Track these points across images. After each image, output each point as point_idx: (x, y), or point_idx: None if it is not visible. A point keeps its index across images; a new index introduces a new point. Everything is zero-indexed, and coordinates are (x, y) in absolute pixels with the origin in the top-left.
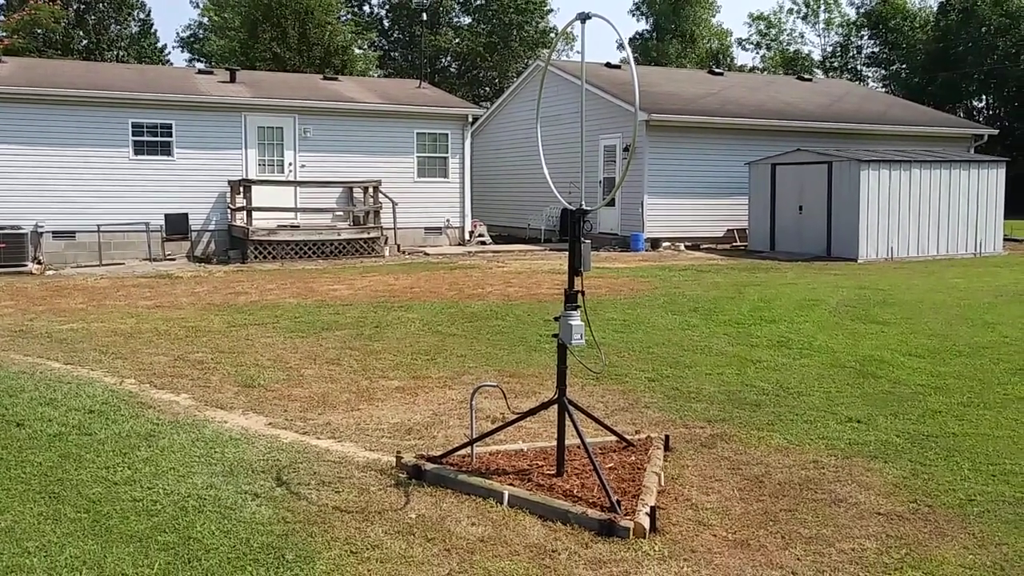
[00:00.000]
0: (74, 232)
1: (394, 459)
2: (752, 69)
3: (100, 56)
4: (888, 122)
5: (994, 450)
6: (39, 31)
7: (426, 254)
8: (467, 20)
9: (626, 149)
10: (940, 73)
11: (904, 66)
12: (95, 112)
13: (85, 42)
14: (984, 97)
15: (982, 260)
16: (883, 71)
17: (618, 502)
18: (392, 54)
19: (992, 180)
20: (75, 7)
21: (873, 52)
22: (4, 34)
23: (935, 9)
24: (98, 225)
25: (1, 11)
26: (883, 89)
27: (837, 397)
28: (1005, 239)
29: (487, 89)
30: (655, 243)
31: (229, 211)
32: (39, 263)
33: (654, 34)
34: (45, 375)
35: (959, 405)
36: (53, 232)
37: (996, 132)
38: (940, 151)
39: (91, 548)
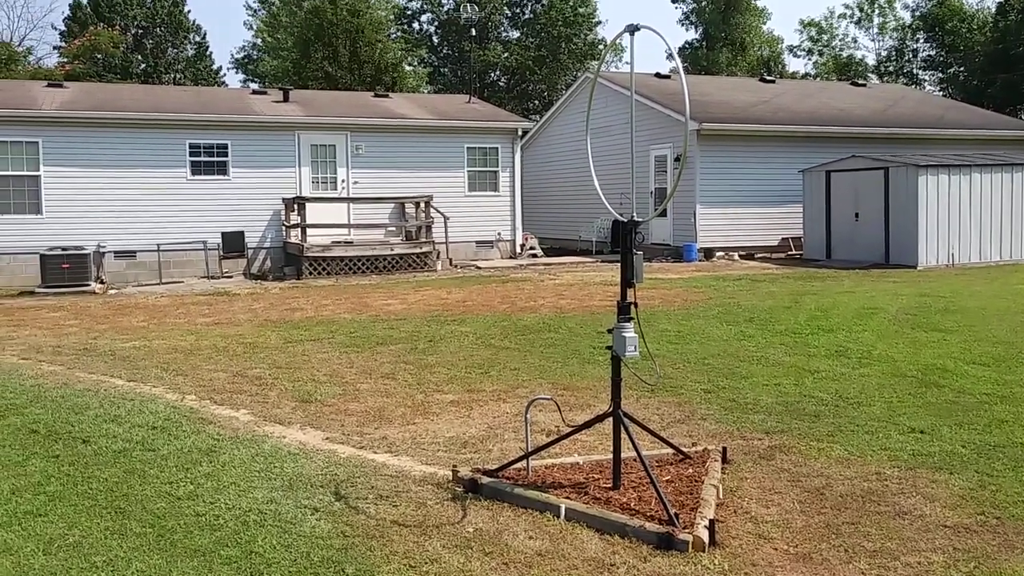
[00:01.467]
0: (135, 252)
1: (450, 473)
2: (804, 76)
3: (158, 79)
4: (945, 126)
5: None
6: (99, 56)
7: (478, 267)
8: (516, 34)
9: (677, 159)
10: (999, 75)
11: (962, 69)
12: (154, 134)
13: (143, 66)
14: None
15: None
16: (940, 74)
17: (676, 515)
18: (442, 70)
19: None
20: (133, 32)
21: (929, 55)
22: (66, 60)
23: (993, 10)
24: (158, 244)
25: (62, 37)
26: (940, 92)
27: (899, 407)
28: None
29: (536, 102)
30: (708, 253)
31: (284, 228)
32: (101, 282)
33: (704, 43)
34: (109, 392)
35: None
36: (115, 252)
37: None
38: (1001, 154)
39: (156, 562)
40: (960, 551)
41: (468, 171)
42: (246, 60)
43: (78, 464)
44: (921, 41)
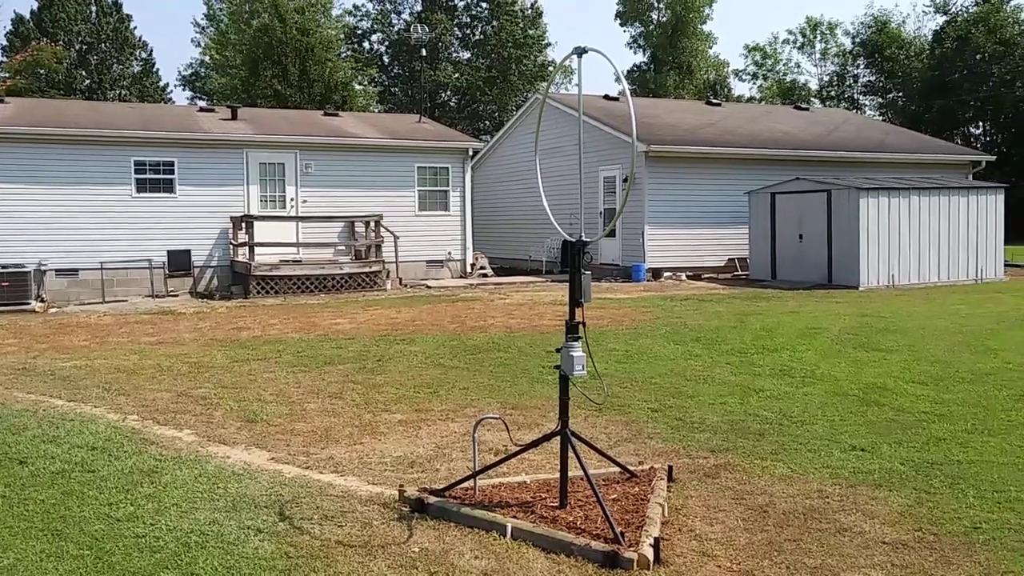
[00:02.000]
0: (77, 270)
1: (397, 493)
2: (749, 99)
3: (102, 96)
4: (886, 150)
5: (999, 477)
6: (42, 71)
7: (428, 287)
8: (466, 55)
9: (626, 180)
10: (936, 101)
11: (901, 94)
12: (97, 151)
13: (88, 82)
14: (981, 124)
15: (983, 286)
16: (880, 99)
17: (622, 533)
18: (392, 89)
19: (991, 206)
20: (78, 47)
21: (870, 81)
22: (7, 75)
23: (930, 38)
24: (101, 262)
25: (4, 52)
26: (880, 117)
27: (840, 425)
28: (1006, 265)
29: (487, 123)
30: (656, 273)
31: (231, 247)
32: (42, 301)
33: (652, 66)
34: (48, 413)
35: (963, 432)
36: (56, 270)
37: (994, 159)
38: (939, 178)
39: None
40: (898, 567)
41: (419, 190)
42: (193, 77)
43: (14, 486)
44: (861, 67)
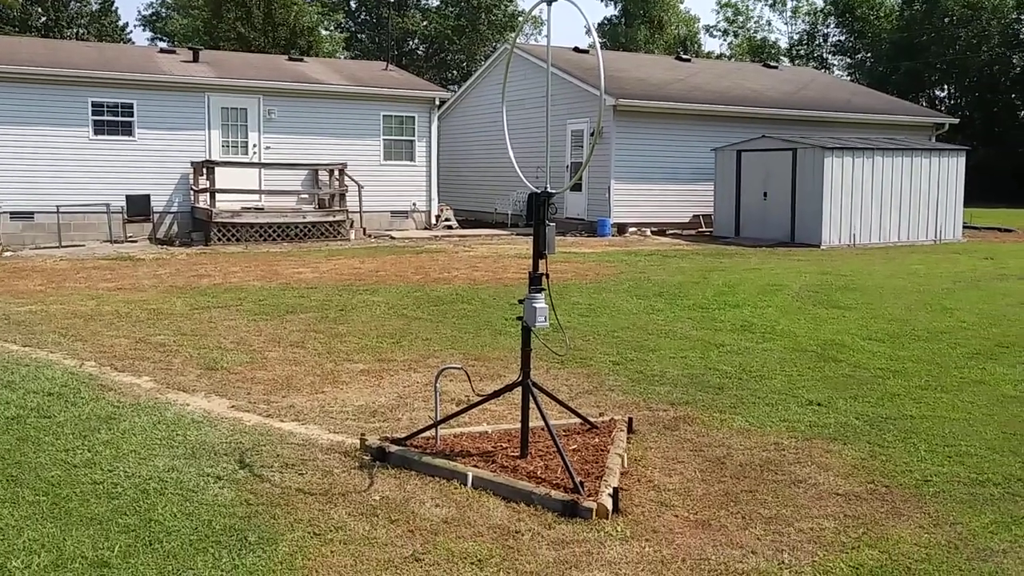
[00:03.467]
0: (32, 213)
1: (358, 441)
2: (720, 56)
3: (59, 34)
4: (852, 110)
5: (950, 432)
6: None
7: (392, 238)
8: (435, 2)
9: (593, 134)
10: (904, 63)
11: (869, 55)
12: (53, 90)
13: (44, 19)
14: (946, 87)
15: (942, 247)
16: (849, 60)
17: (581, 483)
18: (359, 36)
19: (952, 168)
20: None
21: (839, 41)
22: None
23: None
24: (57, 206)
25: None
26: (848, 78)
27: (798, 380)
28: (964, 226)
29: (455, 73)
30: (621, 228)
31: (192, 193)
32: None
33: (623, 20)
34: (2, 358)
35: (917, 388)
36: (11, 213)
37: (957, 121)
38: (903, 139)
39: (50, 531)
40: (851, 518)
41: (384, 140)
42: (154, 17)
43: None
44: (832, 26)
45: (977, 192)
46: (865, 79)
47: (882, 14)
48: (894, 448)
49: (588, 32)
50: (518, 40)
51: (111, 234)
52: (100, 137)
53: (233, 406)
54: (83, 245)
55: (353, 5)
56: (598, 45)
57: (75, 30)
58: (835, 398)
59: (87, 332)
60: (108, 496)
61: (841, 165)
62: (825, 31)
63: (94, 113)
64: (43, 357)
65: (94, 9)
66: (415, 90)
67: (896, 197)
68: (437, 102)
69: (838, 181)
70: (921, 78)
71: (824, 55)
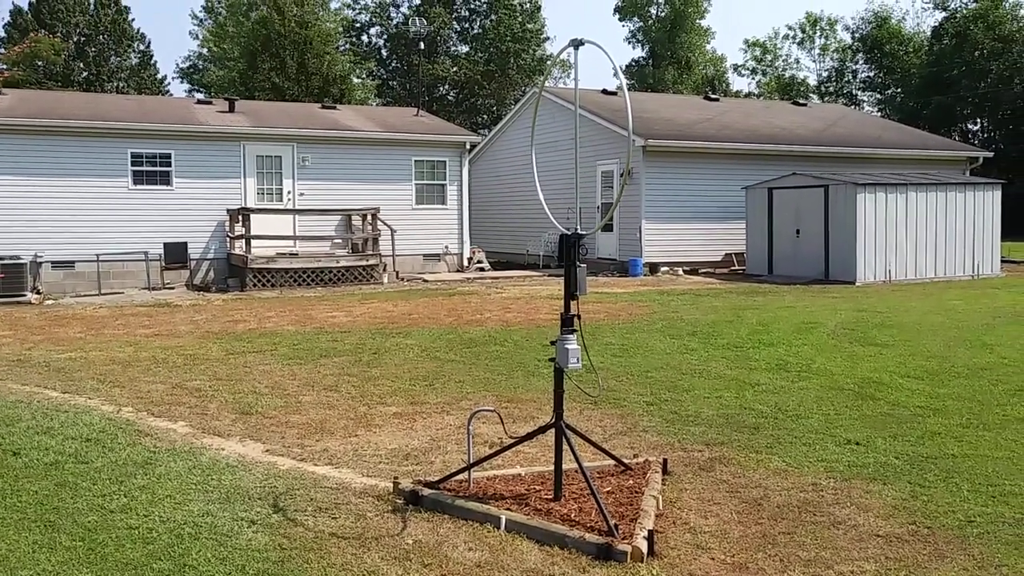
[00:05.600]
0: (73, 262)
1: (391, 485)
2: (748, 95)
3: (100, 88)
4: (883, 146)
5: (993, 471)
6: (40, 63)
7: (425, 281)
8: (465, 48)
9: (623, 175)
10: (934, 97)
11: (899, 90)
12: (94, 142)
13: (85, 74)
14: (979, 120)
15: (980, 282)
16: (878, 95)
17: (616, 526)
18: (390, 83)
19: (988, 202)
20: (75, 39)
21: (868, 76)
22: (5, 66)
23: (929, 34)
24: (97, 255)
25: (2, 44)
26: (878, 113)
27: (836, 419)
28: (1002, 260)
29: (485, 117)
30: (653, 268)
31: (228, 240)
32: (38, 293)
33: (650, 61)
34: (42, 404)
35: (958, 426)
36: (52, 262)
37: (991, 155)
38: (935, 174)
39: None
40: (892, 560)
41: (416, 184)
42: (191, 70)
43: (7, 477)
44: (860, 62)
45: (1013, 226)
46: (896, 114)
47: (911, 49)
48: (936, 488)
49: (616, 74)
50: (547, 83)
51: (149, 281)
52: (139, 187)
53: (267, 450)
54: (122, 292)
55: (384, 53)
56: (625, 86)
57: (115, 84)
58: (874, 437)
59: (125, 378)
60: (143, 541)
61: (874, 201)
62: (854, 67)
63: (133, 163)
64: (82, 403)
65: (133, 63)
66: (446, 135)
67: (931, 232)
68: (468, 146)
69: (871, 217)
70: (953, 112)
71: (853, 91)
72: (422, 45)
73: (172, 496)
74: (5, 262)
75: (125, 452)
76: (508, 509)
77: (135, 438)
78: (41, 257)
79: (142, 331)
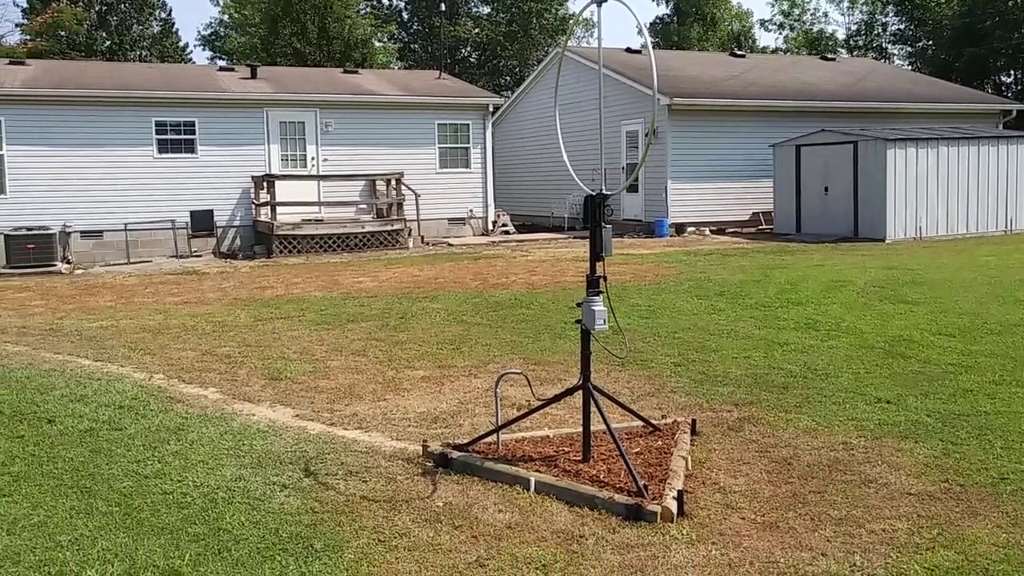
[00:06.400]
0: (102, 231)
1: (421, 448)
2: (775, 50)
3: (123, 56)
4: (914, 100)
5: None
6: (62, 33)
7: (450, 245)
8: (486, 10)
9: (647, 134)
10: (967, 49)
11: (930, 43)
12: (119, 112)
13: (108, 43)
14: (1012, 72)
15: (1013, 237)
16: (909, 48)
17: (645, 487)
18: (412, 46)
19: (1022, 156)
20: (97, 8)
21: (899, 29)
22: (28, 37)
23: None
24: (125, 224)
25: (24, 14)
26: (909, 66)
27: (866, 378)
28: None
29: (508, 78)
30: (680, 228)
31: (253, 207)
32: (68, 263)
33: (675, 18)
34: (75, 372)
35: (991, 383)
36: (81, 232)
37: None
38: (968, 127)
39: (122, 540)
40: (924, 518)
41: (439, 148)
42: (213, 37)
43: (43, 444)
44: (891, 15)
45: None
46: (927, 68)
47: (942, 0)
48: (968, 445)
49: (640, 32)
50: (570, 43)
51: (176, 249)
52: (164, 155)
53: (297, 415)
54: (150, 261)
55: (405, 16)
56: (649, 44)
57: (138, 52)
58: (905, 395)
59: (155, 346)
60: (178, 506)
61: (904, 156)
62: (884, 20)
63: (158, 132)
64: (114, 371)
65: (156, 32)
66: (468, 97)
67: (963, 187)
68: (491, 108)
69: (902, 173)
70: (985, 64)
71: (883, 45)
72: (443, 7)
73: (205, 461)
74: (35, 232)
75: (158, 419)
76: (537, 471)
77: (167, 405)
78: (70, 227)
79: (171, 299)
